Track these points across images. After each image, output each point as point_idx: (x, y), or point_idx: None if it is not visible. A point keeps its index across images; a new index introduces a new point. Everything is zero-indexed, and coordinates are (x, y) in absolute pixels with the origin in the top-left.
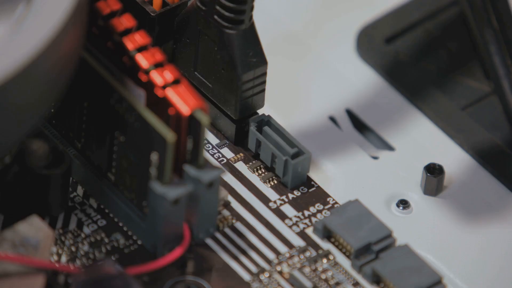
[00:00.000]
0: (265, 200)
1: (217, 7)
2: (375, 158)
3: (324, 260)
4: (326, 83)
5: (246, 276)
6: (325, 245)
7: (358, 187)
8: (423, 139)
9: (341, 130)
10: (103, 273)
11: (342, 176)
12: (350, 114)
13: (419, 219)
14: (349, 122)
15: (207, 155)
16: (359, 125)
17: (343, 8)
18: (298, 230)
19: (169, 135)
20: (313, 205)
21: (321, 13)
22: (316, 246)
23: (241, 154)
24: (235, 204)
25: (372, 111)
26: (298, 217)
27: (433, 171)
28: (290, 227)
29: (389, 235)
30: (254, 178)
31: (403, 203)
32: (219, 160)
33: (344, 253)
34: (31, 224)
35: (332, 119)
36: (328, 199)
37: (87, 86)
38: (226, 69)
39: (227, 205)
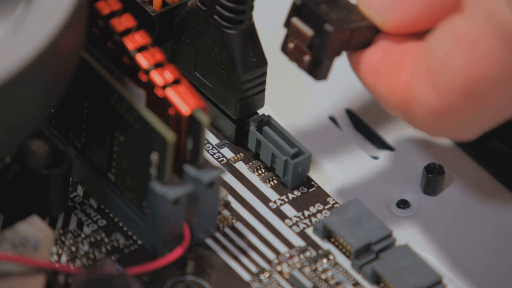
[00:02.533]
0: (265, 200)
1: (217, 7)
2: (375, 158)
3: (324, 260)
4: (326, 83)
5: (246, 276)
6: (325, 245)
7: (358, 187)
8: (423, 139)
9: (341, 130)
10: (103, 273)
11: (342, 176)
12: (350, 114)
13: (419, 219)
14: (349, 122)
15: (207, 155)
16: (359, 125)
17: None
18: (298, 230)
19: (169, 135)
20: (313, 205)
21: None
22: (316, 246)
23: (241, 154)
24: (235, 204)
25: (372, 111)
26: (298, 217)
27: (433, 171)
28: (290, 227)
29: (389, 235)
30: (254, 178)
31: (403, 203)
32: (219, 160)
33: (344, 253)
34: (31, 224)
35: (332, 119)
36: (328, 199)
37: (87, 86)
38: (226, 69)
39: (227, 205)
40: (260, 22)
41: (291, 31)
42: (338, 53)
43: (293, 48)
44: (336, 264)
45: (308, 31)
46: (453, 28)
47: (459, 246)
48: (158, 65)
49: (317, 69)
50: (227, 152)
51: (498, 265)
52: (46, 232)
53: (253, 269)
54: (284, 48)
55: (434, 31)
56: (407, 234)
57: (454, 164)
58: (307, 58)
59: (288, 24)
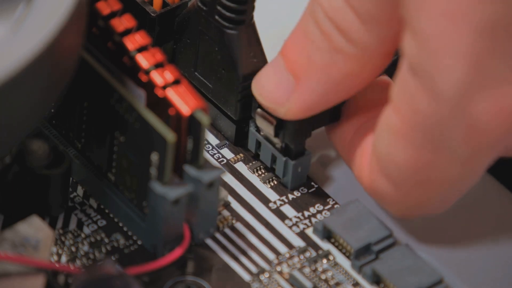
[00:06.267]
0: (265, 200)
1: (218, 7)
2: None
3: (324, 261)
4: None
5: (246, 276)
6: (325, 245)
7: (358, 187)
8: None
9: None
10: (103, 273)
11: (342, 176)
12: None
13: (420, 219)
14: None
15: (207, 156)
16: None
17: None
18: (298, 230)
19: (169, 135)
20: (313, 206)
21: None
22: (316, 247)
23: (241, 155)
24: (235, 205)
25: None
26: (298, 217)
27: None
28: (290, 227)
29: (389, 235)
30: (254, 179)
31: None
32: (219, 160)
33: (344, 253)
34: (31, 224)
35: None
36: (328, 200)
37: (87, 86)
38: (226, 69)
39: (227, 205)
40: (260, 22)
41: (258, 121)
42: (306, 135)
43: (264, 134)
44: (336, 264)
45: (271, 119)
46: (386, 123)
47: (459, 246)
48: (158, 65)
49: (290, 152)
50: (227, 153)
51: (498, 265)
52: (46, 232)
53: (253, 269)
54: (259, 132)
55: (376, 128)
56: (407, 234)
57: None
58: (278, 144)
59: (254, 114)
